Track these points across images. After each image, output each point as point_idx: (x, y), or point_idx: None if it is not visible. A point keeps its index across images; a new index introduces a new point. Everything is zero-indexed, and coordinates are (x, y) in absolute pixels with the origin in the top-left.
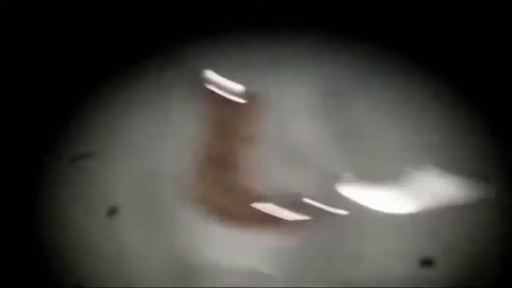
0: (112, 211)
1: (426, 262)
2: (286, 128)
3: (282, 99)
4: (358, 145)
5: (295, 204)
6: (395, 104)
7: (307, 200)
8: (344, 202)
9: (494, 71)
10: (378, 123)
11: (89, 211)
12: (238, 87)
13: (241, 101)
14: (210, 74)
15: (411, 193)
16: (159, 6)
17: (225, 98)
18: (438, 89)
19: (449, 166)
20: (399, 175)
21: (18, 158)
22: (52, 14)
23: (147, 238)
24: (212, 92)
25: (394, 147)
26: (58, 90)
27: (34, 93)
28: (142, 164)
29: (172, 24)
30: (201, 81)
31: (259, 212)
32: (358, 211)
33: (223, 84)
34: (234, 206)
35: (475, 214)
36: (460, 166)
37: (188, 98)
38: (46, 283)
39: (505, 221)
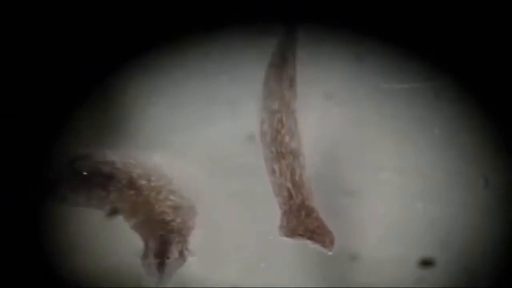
0: (113, 212)
1: (426, 262)
2: None
3: None
4: (359, 142)
5: None
6: (397, 102)
7: None
8: (343, 201)
9: (496, 69)
10: (380, 122)
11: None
12: None
13: None
14: None
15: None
16: None
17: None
18: (440, 86)
19: (448, 165)
20: (399, 173)
21: (19, 158)
22: (56, 12)
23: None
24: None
25: (395, 144)
26: (58, 90)
27: (35, 93)
28: None
29: None
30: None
31: None
32: (357, 210)
33: None
34: None
35: (475, 214)
36: (460, 165)
37: None
38: (47, 283)
39: (504, 221)
